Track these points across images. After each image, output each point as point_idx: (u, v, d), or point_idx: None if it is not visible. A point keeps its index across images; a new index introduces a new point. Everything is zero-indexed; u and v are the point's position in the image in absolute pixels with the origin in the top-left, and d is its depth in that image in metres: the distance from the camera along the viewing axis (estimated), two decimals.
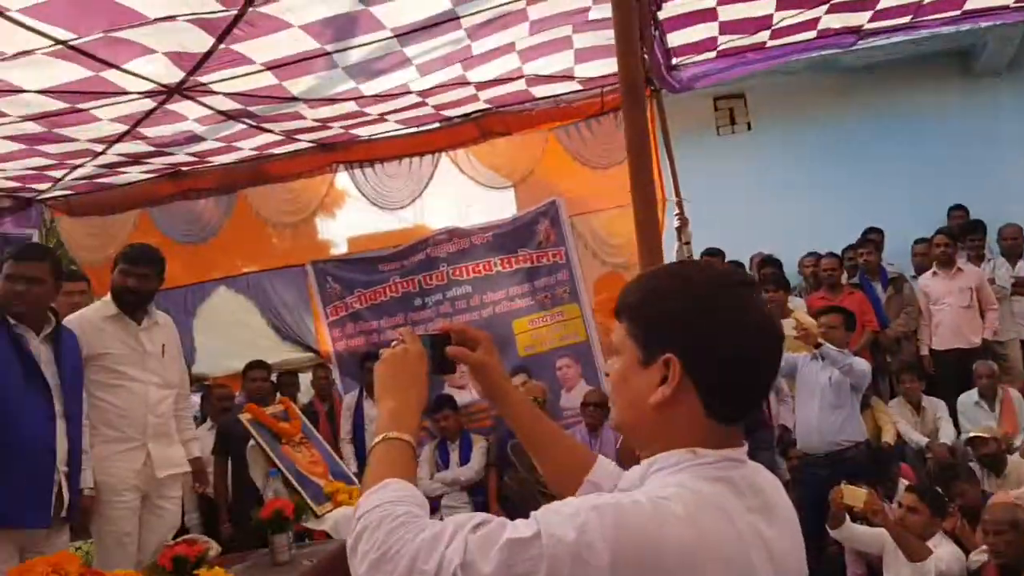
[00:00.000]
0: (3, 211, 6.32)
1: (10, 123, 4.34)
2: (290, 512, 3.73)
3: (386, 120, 5.66)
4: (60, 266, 3.39)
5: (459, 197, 6.54)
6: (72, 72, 3.80)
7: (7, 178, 5.68)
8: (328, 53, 4.06)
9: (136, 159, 5.60)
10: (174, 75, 4.06)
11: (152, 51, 3.71)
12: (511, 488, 5.75)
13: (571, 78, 5.40)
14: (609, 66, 5.15)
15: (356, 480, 4.99)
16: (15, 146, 4.80)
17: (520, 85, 5.35)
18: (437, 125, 5.97)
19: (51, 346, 3.22)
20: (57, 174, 5.73)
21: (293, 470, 4.56)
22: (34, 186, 6.05)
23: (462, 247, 6.40)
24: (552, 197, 6.24)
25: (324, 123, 5.45)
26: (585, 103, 5.80)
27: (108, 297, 3.75)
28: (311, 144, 6.02)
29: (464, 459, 5.93)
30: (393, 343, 1.46)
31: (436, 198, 6.38)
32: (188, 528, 5.38)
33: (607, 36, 4.61)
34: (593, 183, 6.03)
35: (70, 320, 3.56)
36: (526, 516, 1.04)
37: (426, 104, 5.39)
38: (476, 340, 1.53)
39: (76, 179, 5.94)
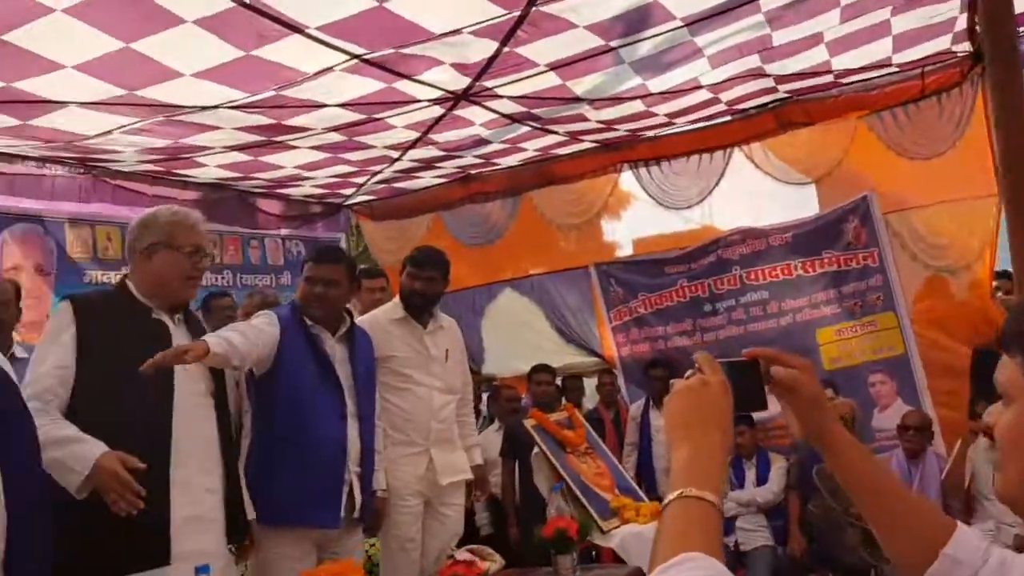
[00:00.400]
0: (316, 216, 6.93)
1: (315, 135, 4.68)
2: (574, 532, 3.63)
3: (673, 124, 5.45)
4: (355, 269, 3.53)
5: (752, 195, 6.10)
6: (367, 85, 4.00)
7: (317, 185, 6.20)
8: (613, 48, 3.92)
9: (428, 164, 5.86)
10: (460, 82, 4.15)
11: (439, 62, 3.80)
12: (815, 515, 5.27)
13: (887, 65, 4.85)
14: (934, 47, 4.54)
15: (644, 496, 4.83)
16: (321, 155, 5.20)
17: (827, 78, 4.89)
18: (729, 118, 5.63)
19: (345, 345, 3.34)
20: (360, 180, 6.16)
21: (578, 481, 4.48)
22: (341, 191, 6.56)
23: (757, 249, 5.97)
24: (863, 192, 5.63)
25: (608, 125, 5.35)
26: (901, 87, 5.17)
27: (397, 300, 3.86)
28: (595, 144, 5.94)
29: (761, 479, 5.55)
30: (688, 373, 1.18)
31: (727, 196, 6.00)
32: (479, 528, 5.52)
33: (933, 13, 4.04)
34: (912, 176, 5.36)
35: (362, 321, 3.72)
36: (831, 547, 0.78)
37: (718, 101, 5.09)
38: (792, 367, 1.23)
39: (376, 183, 6.35)
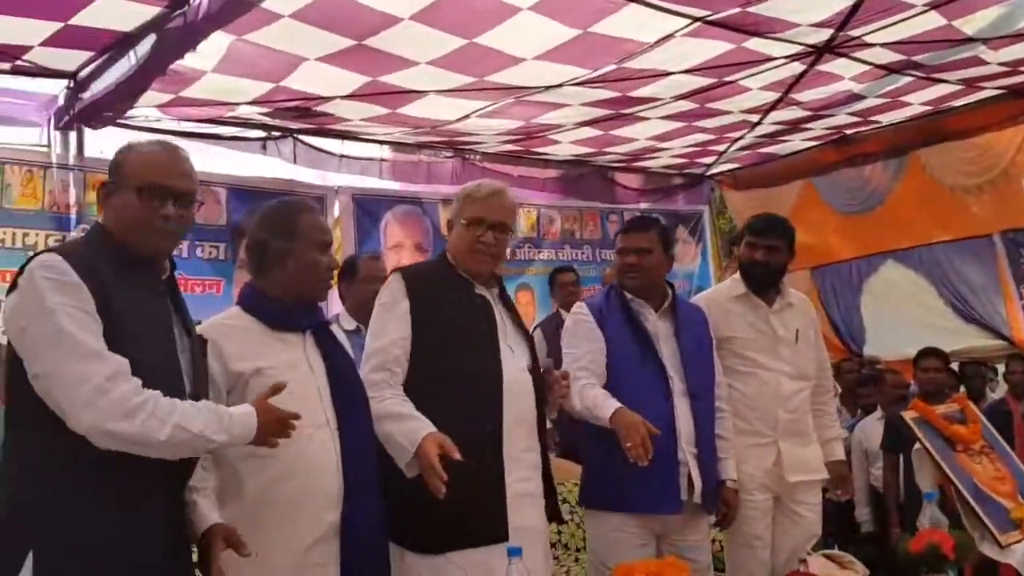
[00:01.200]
0: (676, 188, 6.87)
1: (664, 104, 4.62)
2: (949, 550, 3.18)
3: None
4: (669, 236, 3.37)
5: None
6: (713, 48, 3.85)
7: (675, 155, 6.13)
8: None
9: (795, 126, 5.52)
10: (821, 34, 3.82)
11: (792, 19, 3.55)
12: None
13: None
14: None
15: None
16: (674, 124, 5.14)
17: None
18: None
19: (670, 321, 3.21)
20: (720, 147, 5.98)
21: (970, 485, 3.96)
22: (701, 160, 6.43)
23: None
24: None
25: (1014, 67, 4.62)
26: None
27: (737, 275, 3.63)
28: (999, 91, 5.15)
29: None
30: None
31: None
32: (858, 524, 5.15)
33: None
34: None
35: (699, 299, 3.55)
36: None
37: None
38: None
39: (738, 151, 6.13)
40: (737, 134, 5.59)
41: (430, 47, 3.56)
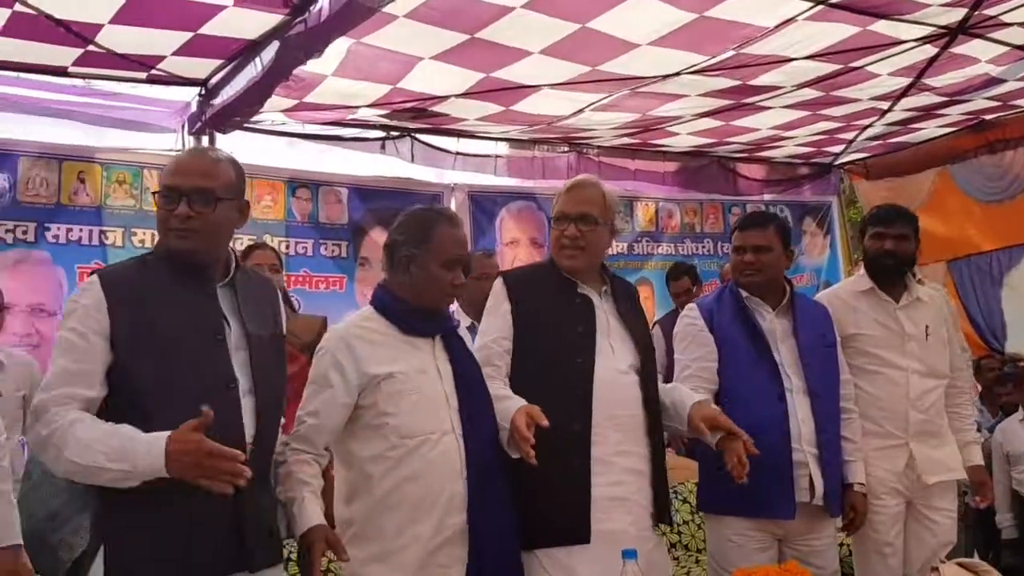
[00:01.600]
0: (802, 179, 6.66)
1: (786, 93, 4.49)
2: None
3: None
4: (789, 232, 3.27)
5: None
6: (838, 31, 3.72)
7: (800, 145, 5.95)
8: None
9: (928, 112, 5.27)
10: (953, 14, 3.63)
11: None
12: None
13: None
14: None
15: None
16: (798, 113, 4.98)
17: None
18: None
19: (788, 319, 3.12)
20: (848, 136, 5.77)
21: None
22: (829, 149, 6.22)
23: None
24: None
25: None
26: None
27: (861, 271, 3.50)
28: None
29: None
30: None
31: None
32: (999, 530, 4.88)
33: None
34: None
35: (822, 296, 3.46)
36: None
37: None
38: None
39: (868, 139, 5.90)
40: (866, 122, 5.37)
41: (542, 35, 3.55)
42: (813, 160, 6.53)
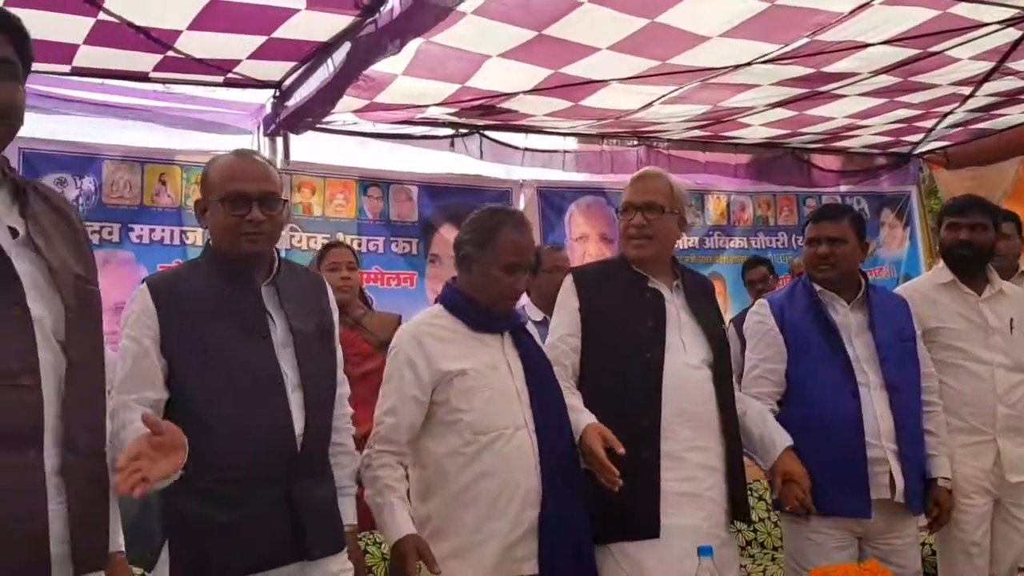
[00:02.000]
0: (879, 169, 6.50)
1: (863, 80, 4.39)
2: None
3: None
4: (863, 224, 3.19)
5: None
6: (916, 15, 3.63)
7: (877, 134, 5.80)
8: None
9: (1012, 97, 5.08)
10: None
11: None
12: None
13: None
14: None
15: None
16: (874, 101, 4.87)
17: None
18: None
19: (863, 312, 3.05)
20: (927, 123, 5.61)
21: None
22: (907, 139, 6.05)
23: None
24: None
25: None
26: None
27: (941, 264, 3.40)
28: None
29: None
30: None
31: None
32: None
33: None
34: None
35: (902, 289, 3.38)
36: None
37: None
38: None
39: (948, 127, 5.73)
40: (946, 108, 5.21)
41: (610, 31, 3.54)
42: (891, 149, 6.36)
